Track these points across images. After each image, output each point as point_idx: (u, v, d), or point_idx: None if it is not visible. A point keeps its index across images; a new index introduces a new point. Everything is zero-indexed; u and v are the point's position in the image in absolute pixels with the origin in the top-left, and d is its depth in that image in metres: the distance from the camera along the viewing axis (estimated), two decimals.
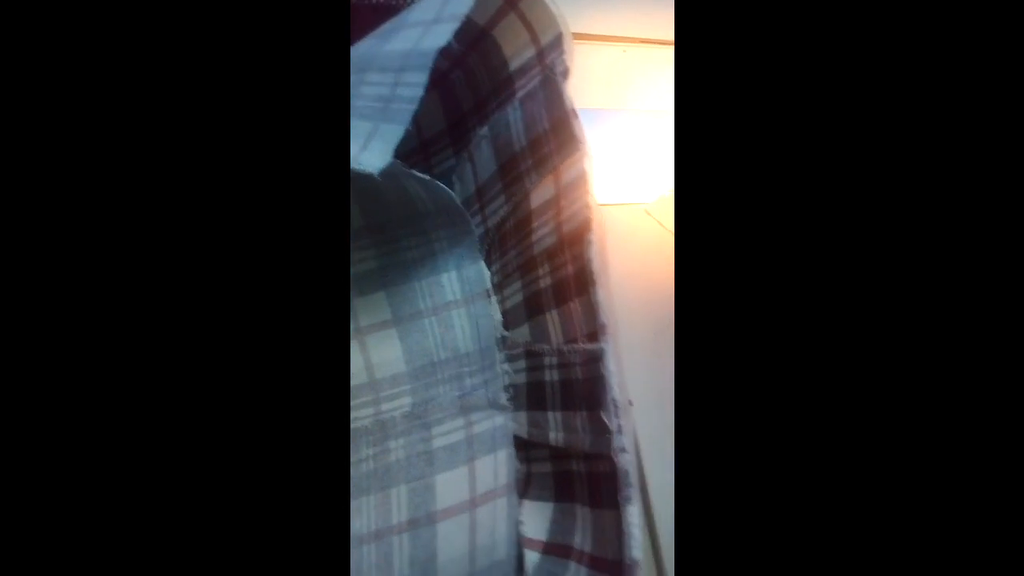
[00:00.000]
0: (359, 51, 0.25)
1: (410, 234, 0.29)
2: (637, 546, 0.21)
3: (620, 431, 0.22)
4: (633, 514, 0.21)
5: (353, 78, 0.24)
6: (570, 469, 0.26)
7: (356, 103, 0.23)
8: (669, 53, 0.33)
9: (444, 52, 0.23)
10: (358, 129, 0.22)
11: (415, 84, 0.22)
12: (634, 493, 0.21)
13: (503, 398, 0.29)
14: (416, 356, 0.30)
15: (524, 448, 0.28)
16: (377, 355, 0.29)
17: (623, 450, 0.22)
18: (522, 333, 0.29)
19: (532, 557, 0.26)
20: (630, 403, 0.29)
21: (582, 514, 0.24)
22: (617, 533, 0.21)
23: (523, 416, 0.28)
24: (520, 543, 0.26)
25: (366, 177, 0.20)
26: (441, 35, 0.23)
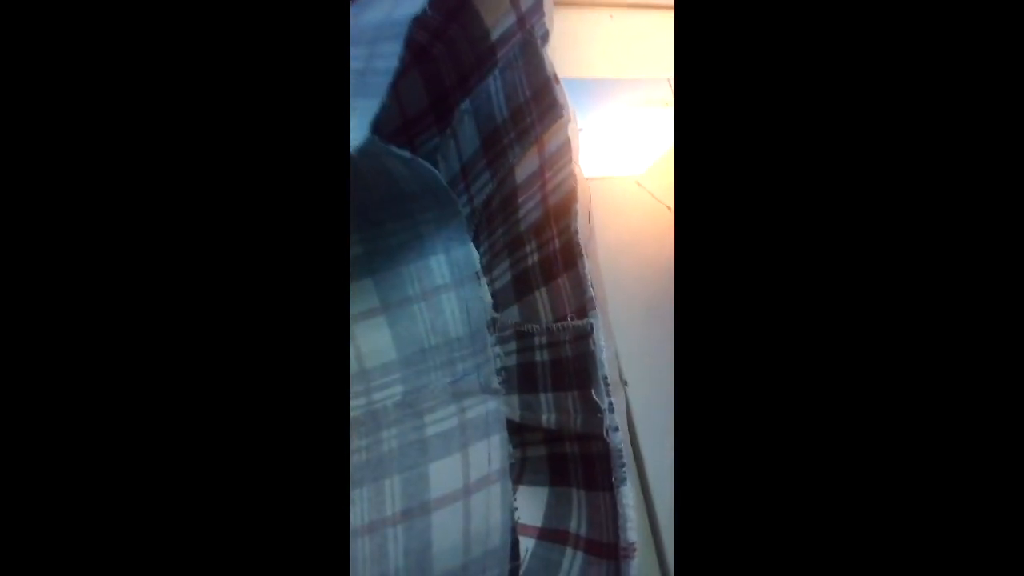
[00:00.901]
0: None
1: (395, 217, 0.28)
2: (632, 528, 0.20)
3: (611, 409, 0.21)
4: (627, 495, 0.20)
5: None
6: (564, 451, 0.25)
7: None
8: (658, 18, 0.32)
9: (420, 21, 0.22)
10: None
11: (389, 55, 0.21)
12: (628, 473, 0.20)
13: (495, 382, 0.28)
14: (406, 343, 0.29)
15: (518, 432, 0.27)
16: (366, 344, 0.29)
17: (615, 429, 0.21)
18: (511, 314, 0.28)
19: (527, 543, 0.25)
20: (625, 382, 0.28)
21: (577, 497, 0.23)
22: (612, 515, 0.20)
23: (515, 399, 0.27)
24: (515, 530, 0.25)
25: None
26: (415, 3, 0.22)
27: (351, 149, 0.19)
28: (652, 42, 0.31)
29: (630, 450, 0.21)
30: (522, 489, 0.26)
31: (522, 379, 0.27)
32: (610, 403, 0.21)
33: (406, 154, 0.24)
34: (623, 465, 0.20)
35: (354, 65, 0.23)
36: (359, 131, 0.20)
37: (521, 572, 0.24)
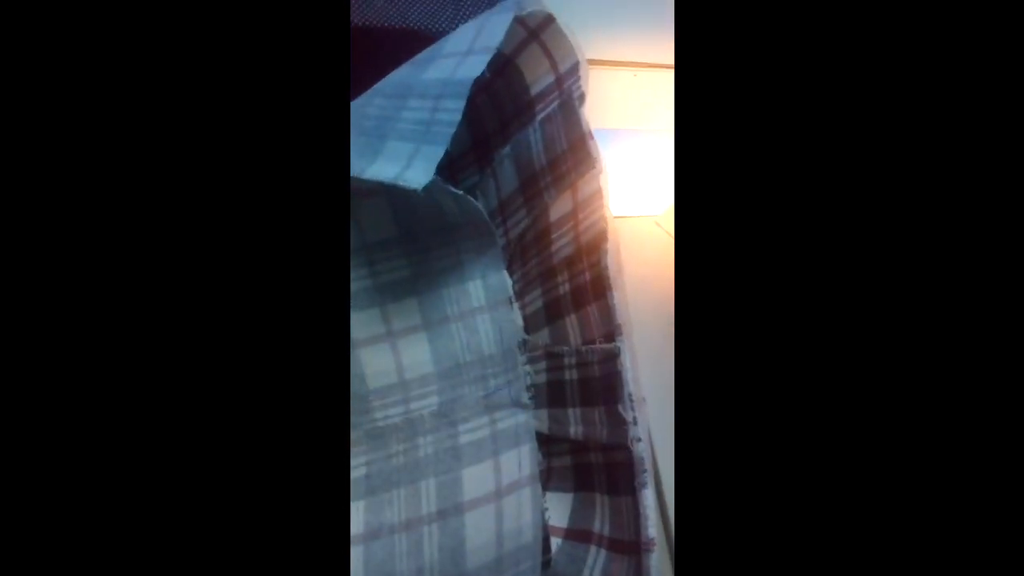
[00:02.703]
0: (398, 77, 0.28)
1: (440, 244, 0.31)
2: (652, 526, 0.22)
3: (635, 422, 0.24)
4: (648, 496, 0.23)
5: (394, 103, 0.26)
6: (589, 461, 0.28)
7: (398, 125, 0.25)
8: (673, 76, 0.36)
9: (477, 81, 0.25)
10: (401, 150, 0.24)
11: (453, 110, 0.25)
12: (648, 479, 0.23)
13: (525, 397, 0.31)
14: (443, 358, 0.32)
15: (546, 443, 0.30)
16: (407, 357, 0.31)
17: (638, 439, 0.24)
18: (542, 336, 0.31)
19: (555, 541, 0.27)
20: (643, 399, 0.31)
21: (600, 501, 0.26)
22: (634, 516, 0.23)
23: (544, 413, 0.30)
24: (545, 527, 0.28)
25: (407, 192, 0.23)
26: (475, 66, 0.26)
27: (417, 186, 0.22)
28: (670, 96, 0.35)
29: (651, 458, 0.24)
30: (549, 495, 0.29)
31: (551, 395, 0.30)
32: (635, 417, 0.24)
33: (459, 192, 0.27)
34: (645, 471, 0.23)
35: (420, 115, 0.26)
36: (426, 173, 0.23)
37: (551, 565, 0.27)
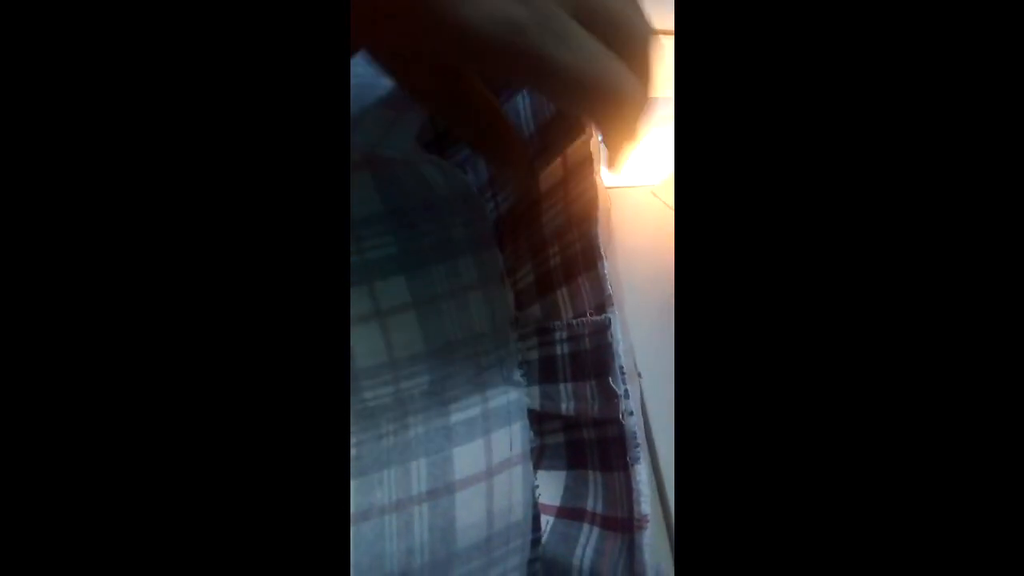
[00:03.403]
0: None
1: (428, 219, 0.31)
2: (646, 502, 0.22)
3: (627, 395, 0.23)
4: (640, 472, 0.22)
5: (374, 69, 0.25)
6: (581, 437, 0.27)
7: (378, 93, 0.24)
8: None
9: None
10: (381, 117, 0.23)
11: None
12: (641, 453, 0.22)
13: (517, 375, 0.30)
14: (434, 337, 0.31)
15: (538, 421, 0.29)
16: (397, 336, 0.31)
17: (630, 413, 0.23)
18: (534, 312, 0.30)
19: (546, 519, 0.27)
20: (639, 375, 0.30)
21: (593, 478, 0.26)
22: (627, 492, 0.22)
23: (536, 390, 0.29)
24: (536, 505, 0.27)
25: (387, 162, 0.22)
26: None
27: (395, 154, 0.22)
28: (667, 63, 0.34)
29: (643, 433, 0.23)
30: (541, 473, 0.28)
31: (543, 371, 0.29)
32: (626, 390, 0.23)
33: (443, 161, 0.26)
34: (637, 446, 0.22)
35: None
36: (405, 140, 0.22)
37: (542, 543, 0.26)
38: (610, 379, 0.23)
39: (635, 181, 0.34)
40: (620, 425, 0.23)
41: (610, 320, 0.24)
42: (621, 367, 0.23)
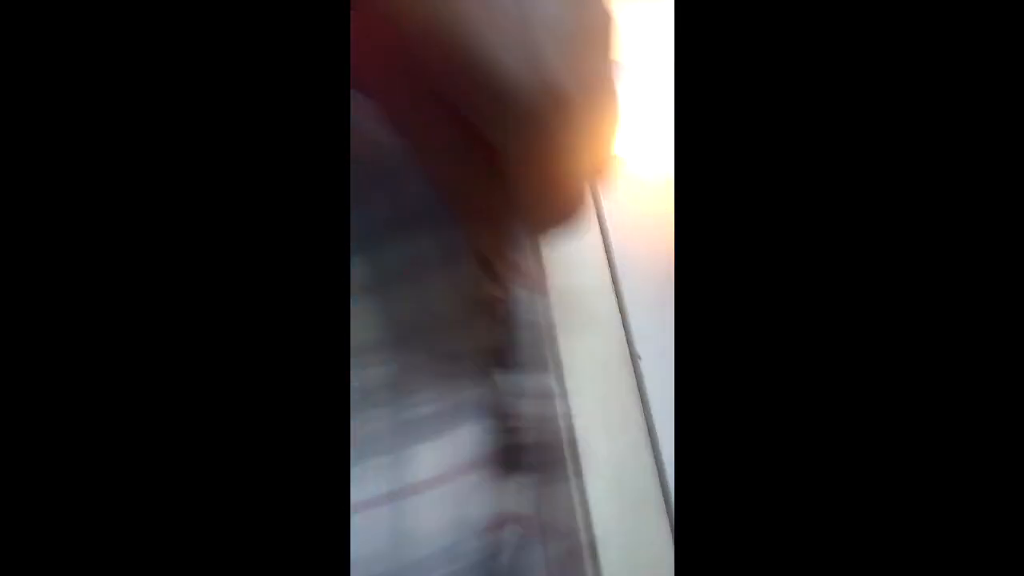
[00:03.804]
0: None
1: (383, 196, 0.28)
2: (591, 520, 0.19)
3: (565, 394, 0.21)
4: (585, 479, 0.20)
5: None
6: (535, 439, 0.25)
7: None
8: (656, 8, 0.32)
9: None
10: None
11: None
12: (587, 462, 0.20)
13: (482, 364, 0.28)
14: (394, 323, 0.29)
15: (502, 419, 0.27)
16: (354, 323, 0.28)
17: (570, 414, 0.21)
18: (499, 290, 0.28)
19: (507, 527, 0.25)
20: (639, 357, 0.28)
21: (541, 481, 0.23)
22: (569, 499, 0.20)
23: (500, 381, 0.27)
24: (496, 512, 0.25)
25: None
26: None
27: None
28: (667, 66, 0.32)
29: (582, 439, 0.21)
30: (498, 476, 0.26)
31: (503, 361, 0.27)
32: (566, 388, 0.21)
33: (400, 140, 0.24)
34: (578, 455, 0.20)
35: None
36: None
37: (502, 552, 0.24)
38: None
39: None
40: (558, 429, 0.21)
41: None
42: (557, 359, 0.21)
